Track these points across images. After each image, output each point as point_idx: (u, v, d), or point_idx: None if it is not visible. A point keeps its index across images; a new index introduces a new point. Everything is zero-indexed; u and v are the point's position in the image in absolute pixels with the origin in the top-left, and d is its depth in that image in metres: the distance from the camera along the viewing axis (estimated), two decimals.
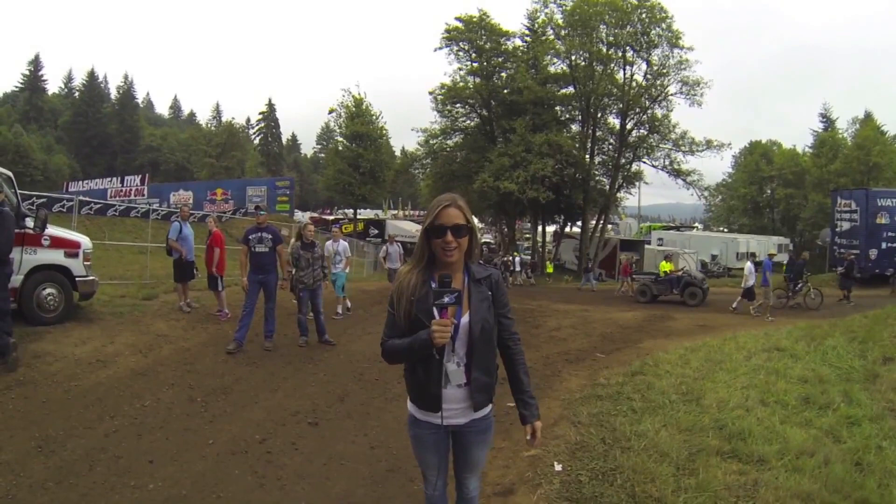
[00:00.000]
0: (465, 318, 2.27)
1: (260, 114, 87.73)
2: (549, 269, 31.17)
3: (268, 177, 59.67)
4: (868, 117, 48.96)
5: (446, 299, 2.11)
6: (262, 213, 8.17)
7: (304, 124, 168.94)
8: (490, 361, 2.36)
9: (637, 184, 35.24)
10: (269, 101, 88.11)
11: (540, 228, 37.43)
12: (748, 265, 15.08)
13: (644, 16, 30.51)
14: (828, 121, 53.34)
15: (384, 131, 41.77)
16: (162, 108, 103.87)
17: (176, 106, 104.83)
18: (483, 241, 43.60)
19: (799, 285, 16.64)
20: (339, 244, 11.01)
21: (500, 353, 2.44)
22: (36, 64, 72.65)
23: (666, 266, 19.57)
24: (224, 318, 9.22)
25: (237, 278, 11.77)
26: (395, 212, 66.36)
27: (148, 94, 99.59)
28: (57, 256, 7.48)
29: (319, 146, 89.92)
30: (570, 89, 32.75)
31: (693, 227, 57.05)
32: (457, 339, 2.25)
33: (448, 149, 35.63)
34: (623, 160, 33.18)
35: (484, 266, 2.44)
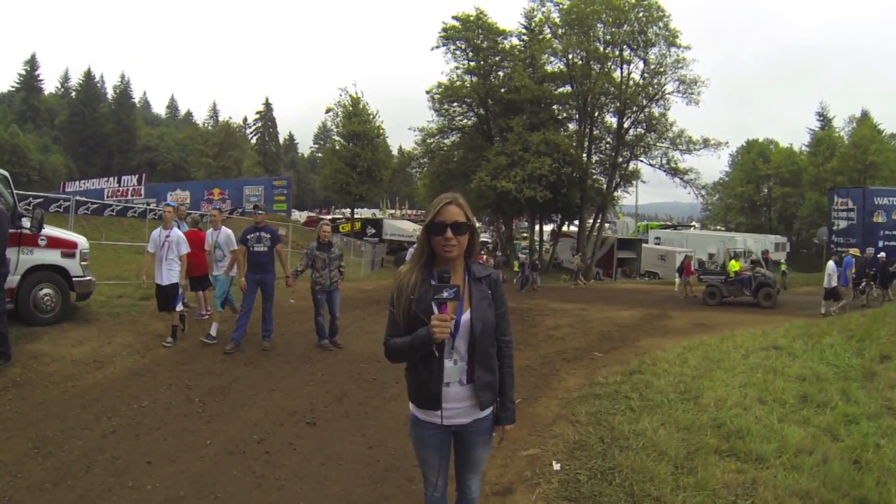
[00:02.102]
0: (465, 316, 2.28)
1: (257, 113, 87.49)
2: (516, 267, 30.01)
3: (265, 176, 59.58)
4: (865, 116, 49.08)
5: (445, 294, 2.11)
6: (260, 212, 8.11)
7: (301, 124, 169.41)
8: (491, 359, 2.36)
9: (634, 182, 35.29)
10: (266, 100, 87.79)
11: (537, 227, 37.44)
12: (831, 264, 14.30)
13: (641, 14, 30.53)
14: (824, 119, 53.49)
15: (381, 130, 41.81)
16: (159, 108, 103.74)
17: (173, 105, 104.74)
18: (481, 240, 43.62)
19: (863, 284, 15.86)
20: (220, 233, 8.33)
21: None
22: (32, 64, 72.41)
23: (735, 265, 18.27)
24: (199, 317, 9.15)
25: (234, 278, 11.77)
26: (393, 211, 66.38)
27: (145, 93, 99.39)
28: (54, 256, 7.45)
29: (316, 146, 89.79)
30: (568, 88, 32.78)
31: (690, 226, 57.20)
32: (457, 336, 2.26)
33: (445, 148, 35.64)
34: (620, 159, 33.23)
35: (483, 266, 2.45)
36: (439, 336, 2.10)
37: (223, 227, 8.29)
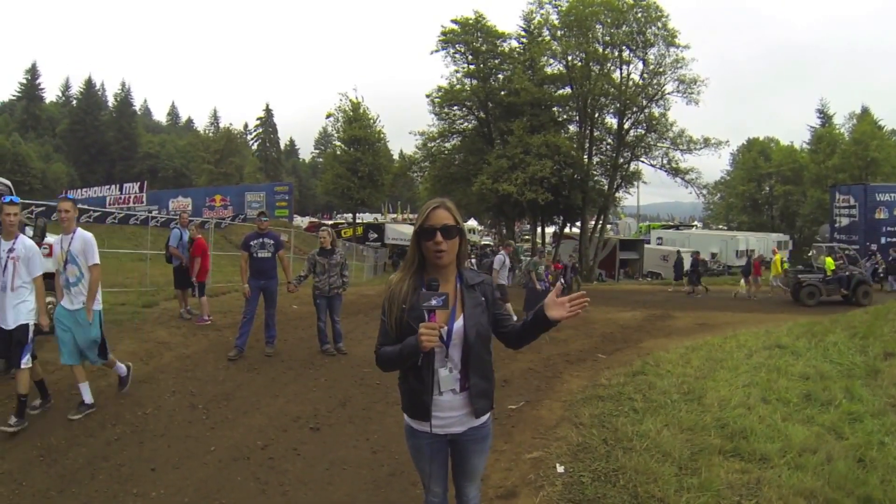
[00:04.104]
0: (458, 323, 2.27)
1: (258, 119, 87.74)
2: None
3: (266, 182, 59.76)
4: (865, 112, 49.02)
5: (434, 302, 2.11)
6: (264, 219, 8.09)
7: (301, 129, 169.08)
8: (487, 366, 2.36)
9: (635, 183, 35.21)
10: (267, 106, 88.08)
11: (539, 230, 37.40)
12: None
13: (640, 15, 30.49)
14: (825, 116, 53.40)
15: (382, 135, 41.87)
16: (160, 115, 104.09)
17: (173, 113, 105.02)
18: (482, 242, 43.61)
19: None
20: (73, 239, 5.13)
21: (508, 338, 2.41)
22: (33, 72, 72.80)
23: (831, 263, 17.46)
24: (201, 322, 9.18)
25: (237, 284, 11.76)
26: (395, 215, 66.39)
27: (145, 101, 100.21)
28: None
29: (317, 151, 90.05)
30: (567, 90, 32.72)
31: (692, 226, 57.15)
32: (450, 344, 2.25)
33: (446, 151, 35.57)
34: (621, 160, 33.14)
35: (476, 272, 2.45)
36: (427, 345, 2.08)
37: (79, 230, 5.20)
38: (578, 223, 34.72)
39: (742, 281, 20.28)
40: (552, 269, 13.76)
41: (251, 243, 7.63)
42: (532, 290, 12.19)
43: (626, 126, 32.40)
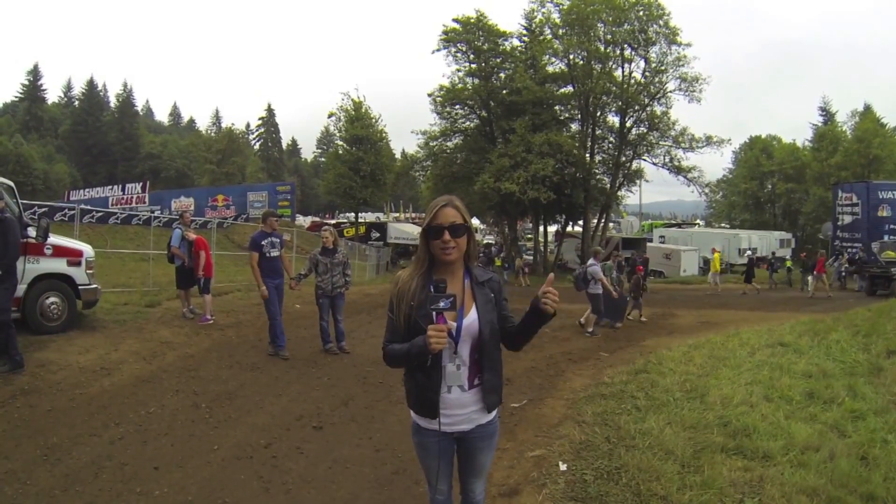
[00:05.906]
0: (468, 320, 2.27)
1: (259, 119, 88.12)
2: (497, 262, 29.53)
3: (268, 182, 59.82)
4: (867, 110, 48.84)
5: (442, 304, 2.10)
6: (274, 218, 7.96)
7: (303, 129, 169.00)
8: (498, 362, 2.36)
9: (638, 181, 35.22)
10: (269, 106, 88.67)
11: (541, 228, 37.39)
12: None
13: (641, 13, 30.46)
14: (827, 114, 53.19)
15: (384, 134, 41.96)
16: (161, 116, 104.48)
17: (175, 113, 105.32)
18: (485, 241, 43.61)
19: None
20: None
21: (508, 338, 2.41)
22: (35, 74, 72.99)
23: None
24: (204, 322, 9.17)
25: (239, 284, 11.79)
26: (397, 214, 66.41)
27: (147, 101, 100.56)
28: (60, 265, 7.50)
29: (319, 150, 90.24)
30: (569, 88, 32.73)
31: (695, 224, 57.05)
32: (459, 341, 2.25)
33: (448, 150, 35.59)
34: (623, 158, 33.15)
35: (484, 269, 2.45)
36: (435, 346, 2.08)
37: None
38: (581, 221, 34.68)
39: (810, 278, 20.85)
40: (637, 271, 13.50)
41: (262, 243, 7.49)
42: (615, 298, 11.58)
43: (628, 124, 32.38)
